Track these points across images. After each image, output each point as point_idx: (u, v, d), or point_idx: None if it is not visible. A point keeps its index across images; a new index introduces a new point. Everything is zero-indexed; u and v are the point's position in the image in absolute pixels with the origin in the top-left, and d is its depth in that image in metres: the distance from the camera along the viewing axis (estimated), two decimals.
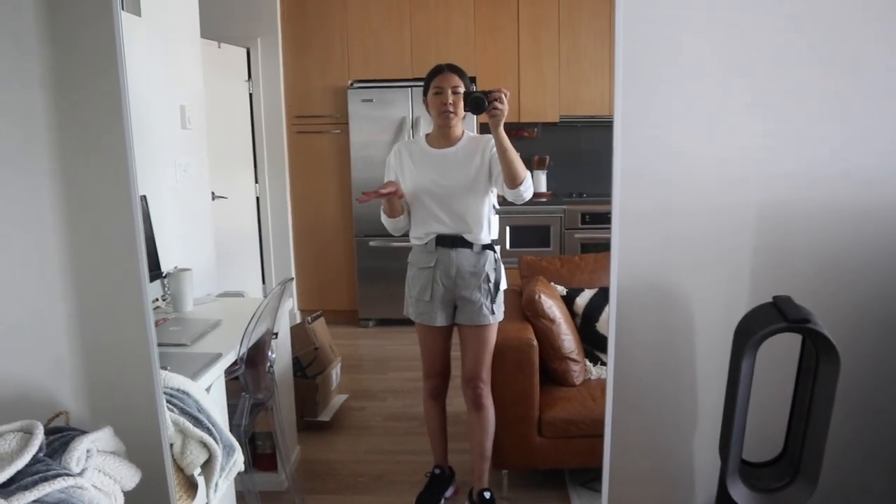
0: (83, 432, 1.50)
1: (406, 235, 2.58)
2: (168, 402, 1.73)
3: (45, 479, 1.33)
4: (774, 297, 1.58)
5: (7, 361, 1.69)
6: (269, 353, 2.63)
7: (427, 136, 2.54)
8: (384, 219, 2.56)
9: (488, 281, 2.46)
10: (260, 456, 2.88)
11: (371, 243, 4.95)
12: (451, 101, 2.39)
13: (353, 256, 5.06)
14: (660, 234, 1.71)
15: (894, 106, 1.67)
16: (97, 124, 1.62)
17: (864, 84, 1.67)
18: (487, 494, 2.60)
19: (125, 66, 1.57)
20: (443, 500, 2.71)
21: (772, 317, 1.51)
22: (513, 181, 2.32)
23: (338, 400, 3.60)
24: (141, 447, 1.62)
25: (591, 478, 2.77)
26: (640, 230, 1.70)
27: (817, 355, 1.53)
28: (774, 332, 1.49)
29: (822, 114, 1.68)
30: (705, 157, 1.69)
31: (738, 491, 1.58)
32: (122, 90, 1.57)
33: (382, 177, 2.59)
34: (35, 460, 1.37)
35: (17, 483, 1.31)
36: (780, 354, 1.67)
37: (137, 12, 2.85)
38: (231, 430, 2.25)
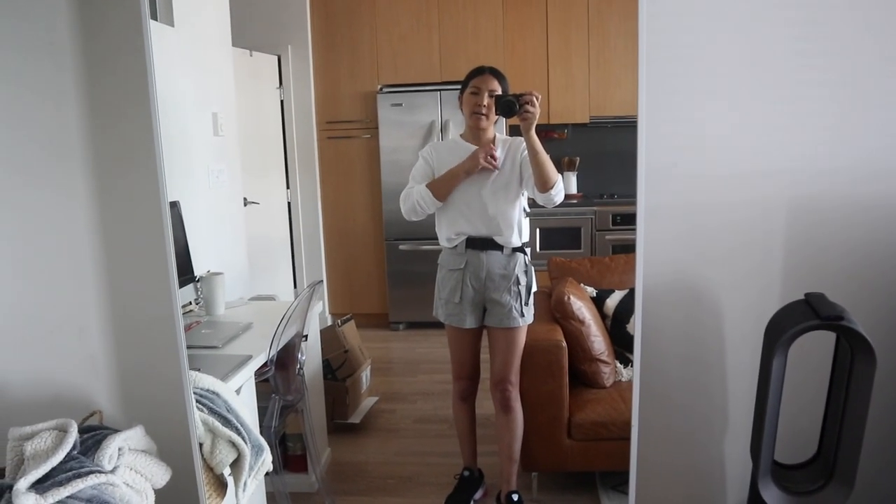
0: (115, 431, 1.53)
1: (435, 238, 2.58)
2: (198, 402, 1.75)
3: (79, 476, 1.35)
4: (807, 294, 1.54)
5: (44, 362, 1.73)
6: (299, 356, 2.65)
7: (461, 135, 2.55)
8: (423, 193, 2.43)
9: (518, 283, 2.45)
10: (290, 457, 2.90)
11: (401, 247, 4.97)
12: (485, 103, 2.39)
13: (384, 260, 5.09)
14: (687, 230, 1.69)
15: None
16: (129, 133, 1.65)
17: None
18: (515, 497, 2.59)
19: (154, 73, 1.59)
20: (472, 503, 2.71)
21: (804, 314, 1.48)
22: (544, 185, 2.31)
23: (368, 402, 3.62)
24: (171, 446, 1.64)
25: (622, 481, 2.73)
26: (667, 225, 1.68)
27: (852, 354, 1.49)
28: (807, 330, 1.46)
29: (854, 107, 1.64)
30: (733, 151, 1.66)
31: (770, 493, 1.54)
32: (152, 97, 1.60)
33: None
34: (69, 457, 1.40)
35: (51, 479, 1.34)
36: (813, 353, 1.63)
37: (171, 23, 2.91)
38: (261, 432, 2.28)
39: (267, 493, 2.36)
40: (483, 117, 2.41)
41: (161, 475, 1.55)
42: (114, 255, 1.71)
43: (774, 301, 1.65)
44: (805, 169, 1.65)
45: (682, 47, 1.64)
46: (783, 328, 1.48)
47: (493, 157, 2.37)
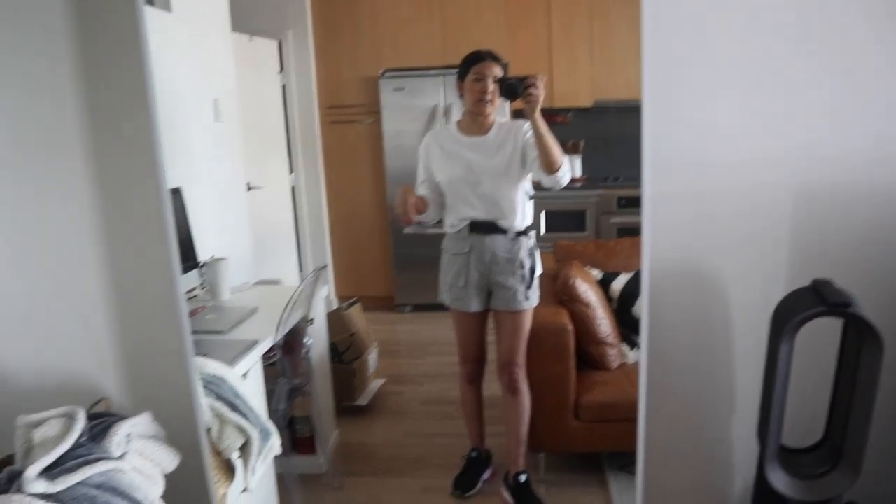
0: (123, 418, 1.54)
1: (440, 222, 2.58)
2: (205, 387, 1.76)
3: (88, 463, 1.36)
4: (814, 281, 1.53)
5: (51, 351, 1.73)
6: (305, 340, 2.66)
7: (458, 122, 2.53)
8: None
9: (523, 267, 2.45)
10: (299, 440, 2.92)
11: (406, 230, 4.96)
12: (490, 89, 2.37)
13: (389, 243, 5.09)
14: (693, 217, 1.67)
15: None
16: (127, 121, 1.63)
17: None
18: (523, 477, 2.60)
19: (150, 60, 1.58)
20: (479, 483, 2.72)
21: (811, 301, 1.47)
22: (550, 167, 2.29)
23: (375, 384, 3.64)
24: (179, 432, 1.65)
25: (628, 461, 2.74)
26: (673, 212, 1.66)
27: (860, 341, 1.48)
28: (814, 317, 1.45)
29: (862, 94, 1.61)
30: (740, 138, 1.64)
31: (776, 477, 1.54)
32: (147, 84, 1.58)
33: (415, 164, 2.58)
34: (77, 444, 1.40)
35: (60, 466, 1.35)
36: (820, 338, 1.62)
37: (168, 8, 2.88)
38: (269, 415, 2.29)
39: (276, 474, 2.38)
40: (488, 104, 2.39)
41: (170, 460, 1.55)
42: (115, 244, 1.70)
43: (780, 287, 1.63)
44: (812, 155, 1.63)
45: (686, 32, 1.61)
46: (790, 315, 1.46)
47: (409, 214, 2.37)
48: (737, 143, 1.65)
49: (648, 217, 1.65)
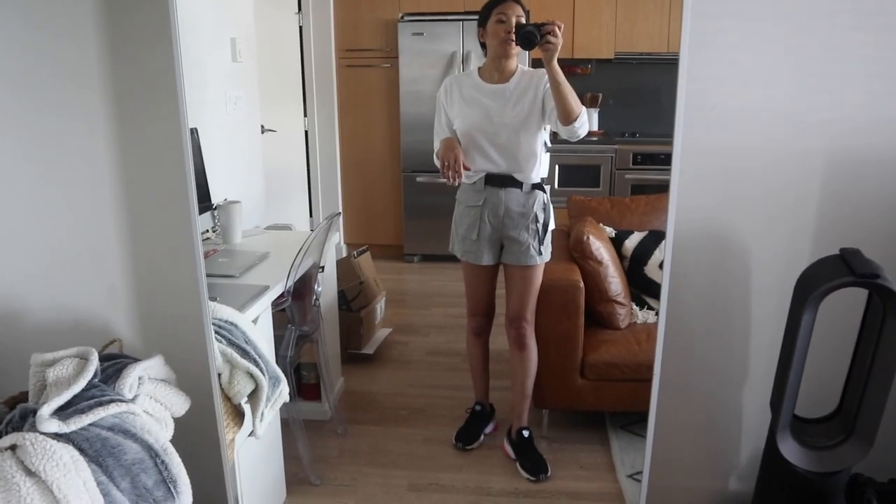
0: (135, 360, 1.54)
1: None
2: (216, 332, 1.76)
3: (101, 404, 1.36)
4: (842, 250, 1.50)
5: (64, 290, 1.73)
6: (315, 287, 2.65)
7: (480, 69, 2.46)
8: (439, 163, 2.46)
9: (536, 221, 2.42)
10: (305, 386, 2.94)
11: (418, 179, 4.92)
12: (514, 30, 2.29)
13: (400, 192, 5.05)
14: (721, 176, 1.64)
15: None
16: (149, 59, 1.60)
17: None
18: (526, 433, 2.62)
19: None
20: (482, 436, 2.74)
21: (838, 270, 1.44)
22: (567, 117, 2.23)
23: (381, 333, 3.65)
24: (190, 376, 1.65)
25: (630, 421, 2.77)
26: (701, 170, 1.63)
27: (884, 312, 1.46)
28: (841, 286, 1.43)
29: None
30: (773, 100, 1.59)
31: (787, 446, 1.54)
32: (172, 21, 1.54)
33: (431, 112, 2.53)
34: (90, 385, 1.41)
35: (73, 406, 1.35)
36: (842, 308, 1.60)
37: None
38: (277, 361, 2.30)
39: (281, 419, 2.40)
40: (513, 44, 2.31)
41: (181, 404, 1.56)
42: (133, 183, 1.68)
43: (805, 254, 1.61)
44: (851, 120, 1.58)
45: None
46: (816, 283, 1.44)
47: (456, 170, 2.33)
48: (774, 101, 1.60)
49: (677, 173, 1.61)
